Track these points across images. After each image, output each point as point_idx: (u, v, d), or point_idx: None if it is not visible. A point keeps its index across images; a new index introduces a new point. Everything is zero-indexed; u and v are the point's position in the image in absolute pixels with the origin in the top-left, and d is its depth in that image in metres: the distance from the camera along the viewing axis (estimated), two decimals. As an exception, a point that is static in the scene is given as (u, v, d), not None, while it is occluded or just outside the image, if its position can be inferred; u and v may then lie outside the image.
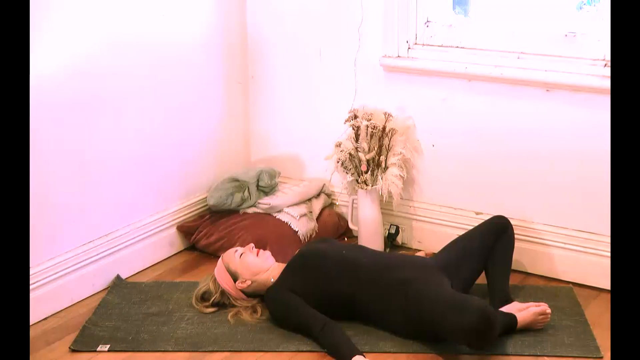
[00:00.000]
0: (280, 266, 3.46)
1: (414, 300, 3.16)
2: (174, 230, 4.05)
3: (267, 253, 3.51)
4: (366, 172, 3.87)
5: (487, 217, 3.62)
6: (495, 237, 3.45)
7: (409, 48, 3.86)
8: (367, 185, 3.88)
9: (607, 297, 3.52)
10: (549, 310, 3.28)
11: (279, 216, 4.01)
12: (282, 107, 4.29)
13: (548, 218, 3.72)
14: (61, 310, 3.52)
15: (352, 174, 3.91)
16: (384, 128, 3.83)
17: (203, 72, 4.09)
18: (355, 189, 3.95)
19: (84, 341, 3.28)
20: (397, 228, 4.04)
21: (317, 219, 4.11)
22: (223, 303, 3.48)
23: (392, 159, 3.86)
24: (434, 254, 3.65)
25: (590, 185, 3.59)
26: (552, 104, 3.61)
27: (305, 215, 4.05)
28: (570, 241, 3.68)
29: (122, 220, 3.78)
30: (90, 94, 3.54)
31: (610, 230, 3.48)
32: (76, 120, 3.50)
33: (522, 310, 3.27)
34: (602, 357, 3.13)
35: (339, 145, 3.91)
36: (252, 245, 3.55)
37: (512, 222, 3.53)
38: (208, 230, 4.00)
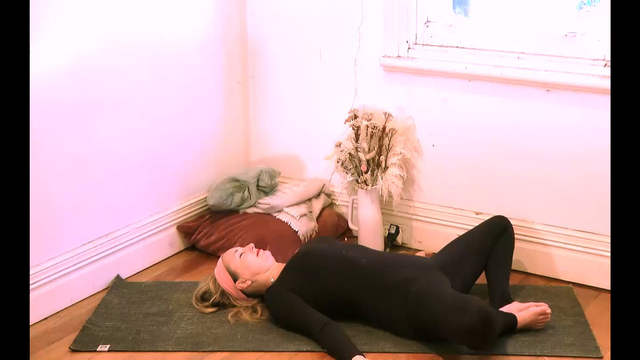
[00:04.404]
0: (280, 266, 3.46)
1: (414, 300, 3.15)
2: (174, 230, 4.05)
3: (267, 253, 3.51)
4: (366, 172, 3.87)
5: (487, 217, 3.62)
6: (495, 237, 3.45)
7: (409, 48, 3.86)
8: (367, 185, 3.88)
9: (607, 297, 3.52)
10: (549, 310, 3.28)
11: (279, 216, 4.01)
12: (282, 107, 4.29)
13: (548, 218, 3.72)
14: (61, 310, 3.52)
15: (352, 174, 3.91)
16: (384, 128, 3.83)
17: (203, 72, 4.09)
18: (355, 189, 3.95)
19: (84, 341, 3.28)
20: (397, 228, 4.03)
21: (317, 219, 4.11)
22: (223, 303, 3.48)
23: (392, 159, 3.86)
24: (434, 254, 3.65)
25: (590, 185, 3.58)
26: (552, 104, 3.61)
27: (305, 215, 4.05)
28: (570, 241, 3.68)
29: (122, 220, 3.78)
30: (90, 93, 3.54)
31: (610, 230, 3.48)
32: (76, 120, 3.50)
33: (522, 310, 3.26)
34: (602, 357, 3.13)
35: (339, 145, 3.91)
36: (252, 245, 3.55)
37: (512, 222, 3.53)
38: (208, 230, 4.00)
